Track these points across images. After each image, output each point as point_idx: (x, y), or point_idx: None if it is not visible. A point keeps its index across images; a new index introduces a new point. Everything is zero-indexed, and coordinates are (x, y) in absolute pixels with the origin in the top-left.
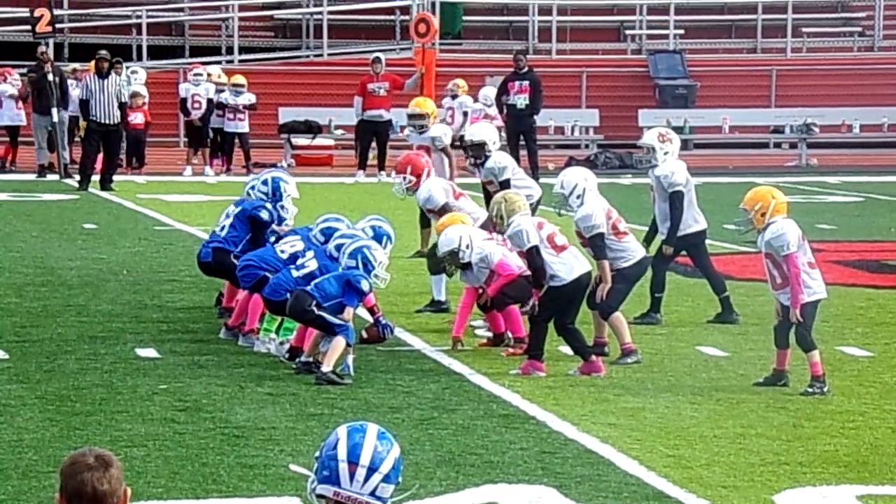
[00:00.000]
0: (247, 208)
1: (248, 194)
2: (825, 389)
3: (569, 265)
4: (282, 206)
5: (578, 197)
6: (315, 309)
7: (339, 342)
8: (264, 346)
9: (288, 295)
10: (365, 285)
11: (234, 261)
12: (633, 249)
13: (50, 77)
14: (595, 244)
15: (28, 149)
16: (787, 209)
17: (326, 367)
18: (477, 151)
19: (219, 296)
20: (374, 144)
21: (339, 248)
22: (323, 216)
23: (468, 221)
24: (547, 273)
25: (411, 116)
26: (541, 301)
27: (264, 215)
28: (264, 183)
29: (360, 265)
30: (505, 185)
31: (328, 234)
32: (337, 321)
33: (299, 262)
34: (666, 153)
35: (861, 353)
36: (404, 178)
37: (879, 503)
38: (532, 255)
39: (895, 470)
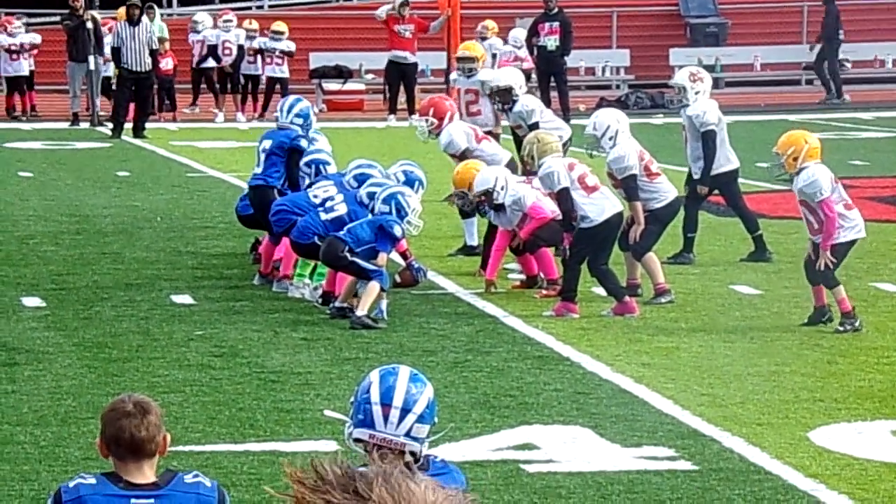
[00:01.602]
0: (285, 141)
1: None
2: (857, 324)
3: (600, 206)
4: (311, 135)
5: (611, 139)
6: (348, 255)
7: (374, 287)
8: (298, 292)
9: (315, 238)
10: (398, 231)
11: (277, 196)
12: (665, 190)
13: (89, 25)
14: (628, 185)
15: (55, 96)
16: (821, 153)
17: (361, 312)
18: (504, 97)
19: (254, 242)
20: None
21: (370, 195)
22: (356, 162)
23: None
24: (578, 214)
25: (460, 59)
26: (573, 243)
27: (304, 143)
28: (297, 115)
29: (394, 211)
30: (534, 127)
31: (361, 179)
32: (371, 266)
33: (328, 205)
34: (697, 92)
35: (894, 289)
36: (427, 121)
37: None
38: (562, 197)
39: None
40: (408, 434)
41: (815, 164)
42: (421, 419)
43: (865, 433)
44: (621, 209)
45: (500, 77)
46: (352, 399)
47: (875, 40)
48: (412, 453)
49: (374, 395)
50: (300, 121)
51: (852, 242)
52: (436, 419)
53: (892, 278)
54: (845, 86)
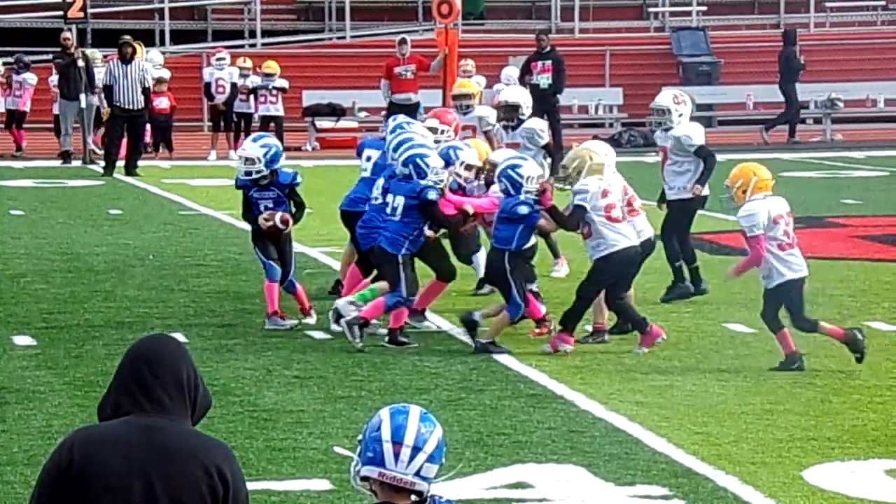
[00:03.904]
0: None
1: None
2: (798, 366)
3: (618, 237)
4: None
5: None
6: (508, 272)
7: (505, 318)
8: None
9: (375, 236)
10: (433, 195)
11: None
12: (639, 228)
13: (80, 63)
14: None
15: (45, 134)
16: (770, 186)
17: (486, 339)
18: (510, 114)
19: (336, 283)
20: None
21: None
22: (393, 124)
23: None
24: (592, 240)
25: (456, 97)
26: (589, 273)
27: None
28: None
29: (413, 173)
30: (545, 148)
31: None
32: (516, 296)
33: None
34: (681, 115)
35: (888, 328)
36: (446, 131)
37: None
38: (573, 215)
39: None
40: (417, 473)
41: (761, 199)
42: (431, 459)
43: (859, 472)
44: (636, 244)
45: (508, 94)
46: (359, 437)
47: (867, 79)
48: (419, 493)
49: (385, 433)
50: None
51: (795, 282)
52: (444, 460)
53: (885, 317)
54: (837, 125)
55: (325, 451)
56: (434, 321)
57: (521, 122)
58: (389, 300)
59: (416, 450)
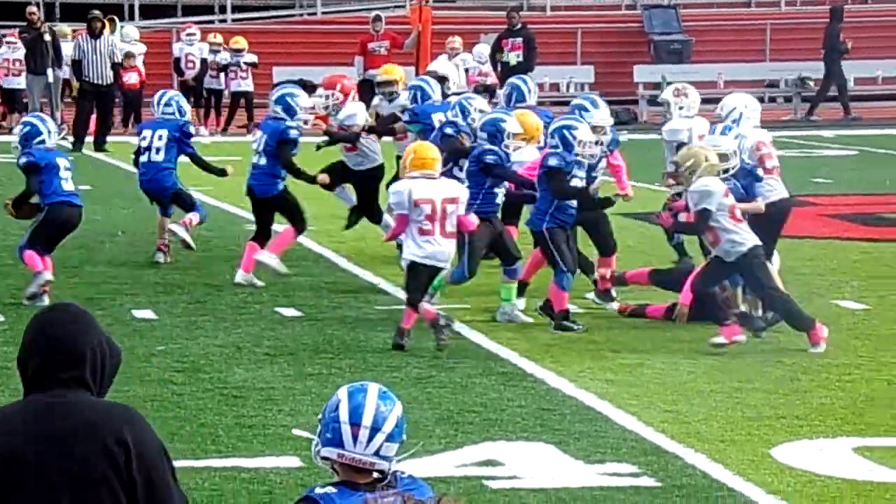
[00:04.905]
0: (273, 131)
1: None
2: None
3: (747, 237)
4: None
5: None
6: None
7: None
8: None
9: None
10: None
11: None
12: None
13: (47, 37)
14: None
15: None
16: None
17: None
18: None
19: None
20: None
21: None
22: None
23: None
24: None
25: (380, 83)
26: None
27: (294, 133)
28: (277, 102)
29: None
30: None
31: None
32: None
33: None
34: (681, 108)
35: (857, 307)
36: (332, 95)
37: (875, 455)
38: (699, 218)
39: (890, 422)
40: (377, 453)
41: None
42: (390, 438)
43: (827, 450)
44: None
45: (438, 66)
46: (319, 416)
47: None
48: (380, 471)
49: (343, 414)
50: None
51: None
52: (404, 437)
53: (853, 296)
54: (807, 104)
55: (297, 427)
56: (403, 298)
57: (447, 95)
58: (558, 279)
59: (374, 430)
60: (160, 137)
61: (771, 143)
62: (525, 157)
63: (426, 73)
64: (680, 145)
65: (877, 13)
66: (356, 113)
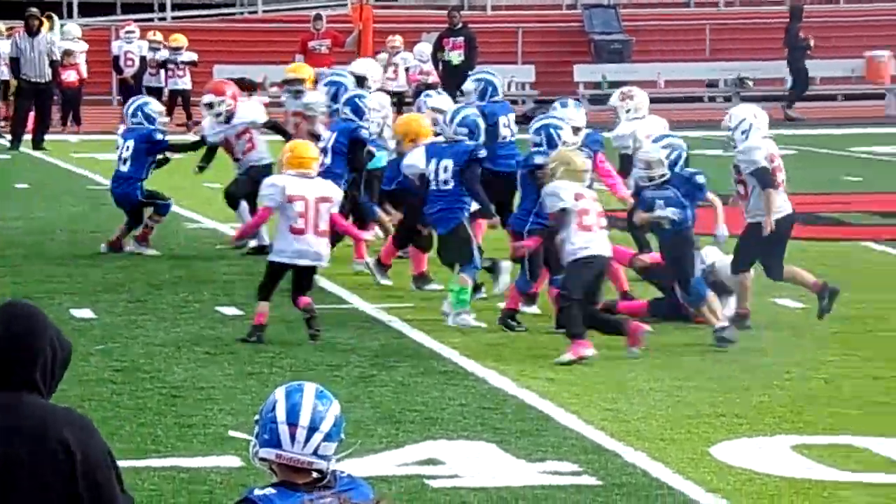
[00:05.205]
0: (344, 130)
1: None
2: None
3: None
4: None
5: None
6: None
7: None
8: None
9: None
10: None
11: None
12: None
13: None
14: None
15: None
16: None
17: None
18: (359, 84)
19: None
20: None
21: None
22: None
23: None
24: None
25: (287, 81)
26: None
27: (365, 133)
28: (346, 104)
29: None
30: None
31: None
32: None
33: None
34: (628, 111)
35: (795, 305)
36: (223, 101)
37: (813, 453)
38: (559, 217)
39: (828, 420)
40: (315, 453)
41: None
42: (328, 437)
43: (766, 448)
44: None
45: (357, 66)
46: (256, 417)
47: (776, 59)
48: (319, 471)
49: (280, 414)
50: (348, 109)
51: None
52: (343, 436)
53: (792, 294)
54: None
55: (235, 428)
56: (346, 298)
57: (368, 90)
58: (520, 282)
59: (312, 430)
60: (128, 148)
61: (778, 154)
62: (415, 160)
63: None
64: (624, 152)
65: (809, 13)
66: (253, 112)
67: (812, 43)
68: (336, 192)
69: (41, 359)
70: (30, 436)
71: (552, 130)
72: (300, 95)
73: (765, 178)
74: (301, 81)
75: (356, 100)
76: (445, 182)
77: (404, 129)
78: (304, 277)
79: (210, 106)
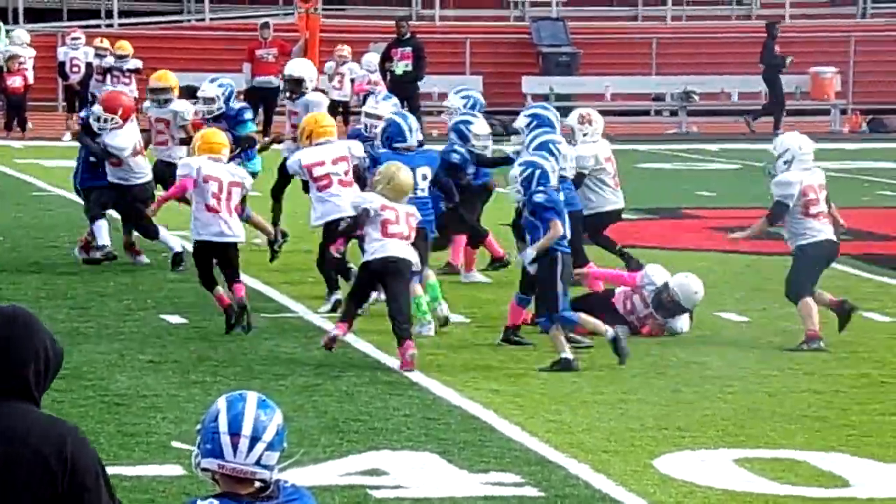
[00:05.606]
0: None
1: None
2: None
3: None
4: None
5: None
6: None
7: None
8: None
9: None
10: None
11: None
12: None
13: None
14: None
15: None
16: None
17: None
18: (294, 87)
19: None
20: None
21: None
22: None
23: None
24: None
25: (153, 90)
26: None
27: (456, 157)
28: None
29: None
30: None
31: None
32: None
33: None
34: (585, 134)
35: (738, 319)
36: (111, 119)
37: (756, 466)
38: (361, 215)
39: (771, 433)
40: (258, 462)
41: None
42: (270, 447)
43: (708, 461)
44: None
45: (293, 68)
46: (198, 426)
47: (722, 73)
48: (262, 481)
49: (222, 424)
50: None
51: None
52: (285, 445)
53: (735, 308)
54: (692, 118)
55: (178, 437)
56: (290, 307)
57: (303, 94)
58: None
59: (254, 440)
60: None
61: (823, 185)
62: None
63: (283, 77)
64: (581, 171)
65: (753, 29)
66: (120, 144)
67: (789, 61)
68: (247, 178)
69: (38, 366)
70: (27, 443)
71: (461, 126)
72: (167, 104)
73: (777, 214)
74: (168, 90)
75: (461, 126)
76: (423, 189)
77: (304, 125)
78: (226, 258)
79: (98, 119)
